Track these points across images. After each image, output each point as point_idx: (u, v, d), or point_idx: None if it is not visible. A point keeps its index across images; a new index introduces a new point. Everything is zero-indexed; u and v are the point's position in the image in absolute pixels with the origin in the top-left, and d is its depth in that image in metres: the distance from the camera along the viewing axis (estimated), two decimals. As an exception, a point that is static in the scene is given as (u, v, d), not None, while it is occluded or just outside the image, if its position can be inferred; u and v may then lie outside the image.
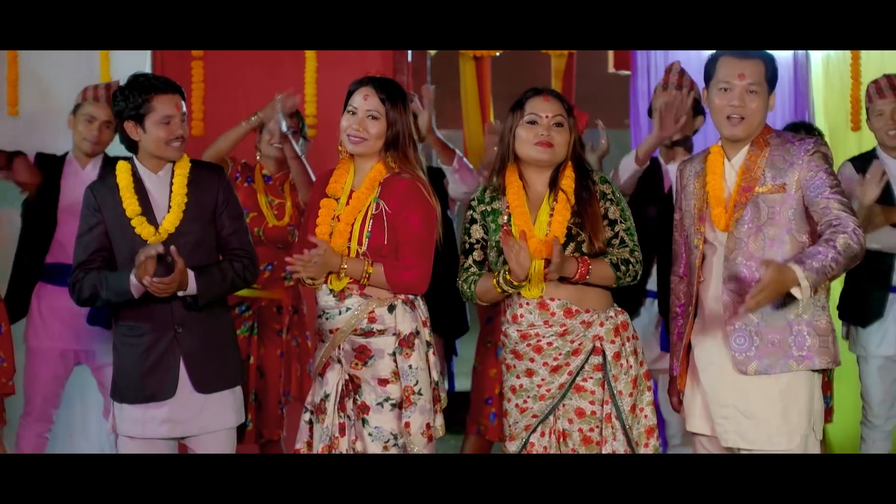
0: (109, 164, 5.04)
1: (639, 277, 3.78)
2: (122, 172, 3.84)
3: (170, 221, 3.80)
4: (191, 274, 3.74)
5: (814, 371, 3.60)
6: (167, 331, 3.80)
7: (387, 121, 3.76)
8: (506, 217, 3.79)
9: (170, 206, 3.82)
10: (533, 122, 3.77)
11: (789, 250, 3.55)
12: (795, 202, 3.55)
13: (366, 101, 3.76)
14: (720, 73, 3.64)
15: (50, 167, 5.01)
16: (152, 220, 3.80)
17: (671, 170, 4.92)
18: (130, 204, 3.79)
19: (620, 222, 3.78)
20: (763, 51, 3.68)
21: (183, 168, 3.86)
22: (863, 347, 4.89)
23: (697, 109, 4.93)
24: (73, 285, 3.82)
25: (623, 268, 3.73)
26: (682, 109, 4.79)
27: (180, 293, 3.75)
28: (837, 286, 5.06)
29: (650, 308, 4.93)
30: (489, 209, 3.84)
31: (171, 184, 3.84)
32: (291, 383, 5.02)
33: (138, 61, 5.66)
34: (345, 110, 3.80)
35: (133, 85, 3.81)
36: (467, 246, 3.86)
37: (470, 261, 3.86)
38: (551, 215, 3.74)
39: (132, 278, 3.69)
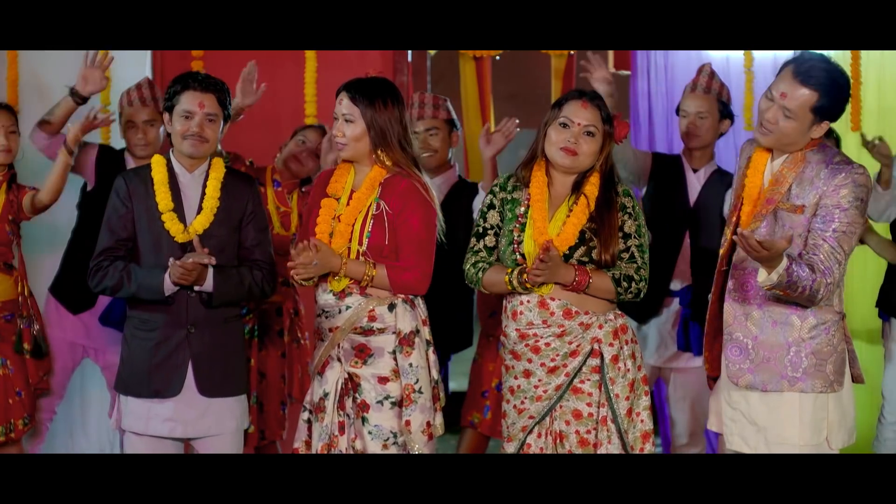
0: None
1: (641, 296, 3.75)
2: (158, 166, 3.87)
3: (200, 222, 3.84)
4: (210, 270, 3.76)
5: (818, 392, 3.49)
6: (180, 329, 3.82)
7: (364, 121, 3.75)
8: (523, 208, 3.78)
9: (201, 207, 3.85)
10: (565, 126, 3.74)
11: None
12: (809, 225, 3.46)
13: (340, 106, 3.77)
14: (775, 81, 3.52)
15: (110, 160, 4.96)
16: (182, 217, 3.84)
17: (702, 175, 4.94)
18: (164, 199, 3.82)
19: (634, 237, 3.75)
20: (827, 79, 3.45)
21: (218, 172, 3.91)
22: (894, 343, 4.87)
23: (724, 113, 4.92)
24: (95, 271, 3.83)
25: (625, 284, 3.71)
26: None
27: (196, 288, 3.78)
28: (876, 283, 5.06)
29: (670, 307, 4.93)
30: (509, 197, 3.83)
31: (205, 185, 3.88)
32: (293, 385, 5.03)
33: (138, 61, 5.67)
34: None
35: (175, 77, 3.89)
36: (481, 229, 3.85)
37: (481, 245, 3.84)
38: (568, 216, 3.74)
39: (167, 278, 3.73)
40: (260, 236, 3.94)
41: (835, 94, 3.47)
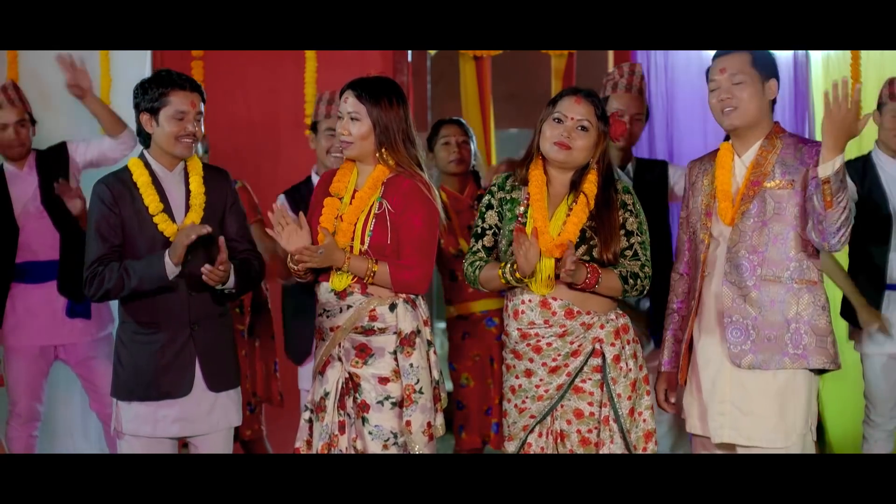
0: (43, 156, 5.05)
1: (646, 292, 3.77)
2: (138, 168, 3.84)
3: (192, 218, 3.83)
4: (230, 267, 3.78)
5: (813, 372, 3.61)
6: (183, 328, 3.81)
7: (371, 120, 3.76)
8: (522, 208, 3.78)
9: (189, 204, 3.84)
10: (559, 121, 3.75)
11: (793, 247, 3.58)
12: (801, 199, 3.58)
13: (346, 104, 3.77)
14: (709, 76, 3.71)
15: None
16: (171, 216, 3.83)
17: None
18: (152, 201, 3.80)
19: (637, 235, 3.76)
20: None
21: (197, 167, 3.90)
22: (867, 346, 4.90)
23: (647, 114, 4.95)
24: (91, 279, 3.78)
25: (631, 281, 3.72)
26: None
27: (220, 286, 3.78)
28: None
29: (638, 307, 4.93)
30: (508, 197, 3.83)
31: (187, 182, 3.87)
32: (257, 384, 5.03)
33: (138, 61, 5.67)
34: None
35: (154, 79, 3.84)
36: (479, 230, 3.86)
37: (479, 245, 3.85)
38: (568, 215, 3.74)
39: (167, 259, 3.71)
40: (243, 226, 3.95)
41: (761, 50, 3.68)
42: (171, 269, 3.74)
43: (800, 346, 3.57)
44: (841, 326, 5.07)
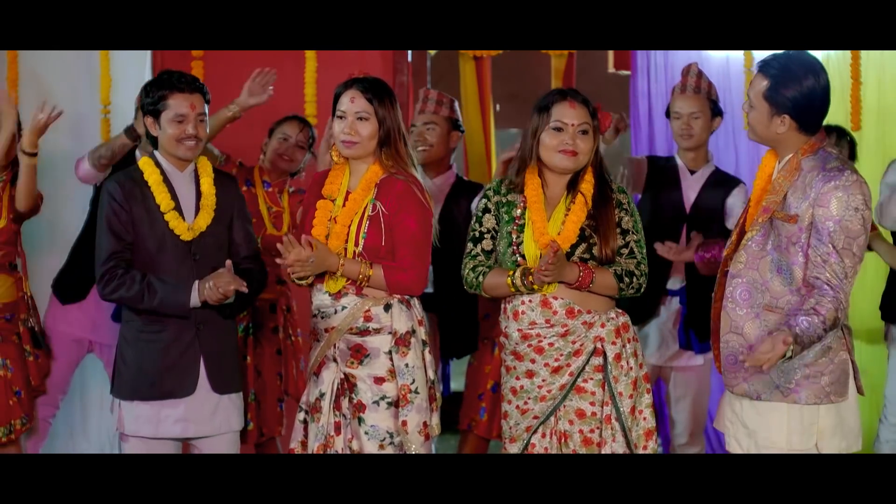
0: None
1: (642, 290, 3.77)
2: (149, 167, 3.85)
3: (203, 219, 3.83)
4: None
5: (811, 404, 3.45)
6: (189, 328, 3.81)
7: (377, 119, 3.76)
8: (519, 210, 3.78)
9: (200, 205, 3.85)
10: (559, 129, 3.74)
11: (796, 280, 3.41)
12: (805, 237, 3.40)
13: (353, 104, 3.76)
14: None
15: (125, 157, 4.92)
16: (181, 215, 3.83)
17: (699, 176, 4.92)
18: (164, 199, 3.81)
19: (632, 233, 3.77)
20: (778, 67, 3.44)
21: (208, 170, 3.90)
22: None
23: (714, 111, 4.92)
24: (109, 279, 3.76)
25: (627, 279, 3.72)
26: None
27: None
28: (879, 288, 5.05)
29: (669, 306, 4.93)
30: (504, 200, 3.83)
31: (198, 183, 3.87)
32: (289, 382, 5.04)
33: (138, 61, 5.67)
34: (333, 115, 3.80)
35: (155, 81, 3.85)
36: (477, 234, 3.85)
37: (479, 249, 3.84)
38: (566, 215, 3.74)
39: (195, 295, 3.72)
40: (249, 231, 3.96)
41: (785, 83, 3.42)
42: (195, 303, 3.75)
43: (791, 381, 3.43)
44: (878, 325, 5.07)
